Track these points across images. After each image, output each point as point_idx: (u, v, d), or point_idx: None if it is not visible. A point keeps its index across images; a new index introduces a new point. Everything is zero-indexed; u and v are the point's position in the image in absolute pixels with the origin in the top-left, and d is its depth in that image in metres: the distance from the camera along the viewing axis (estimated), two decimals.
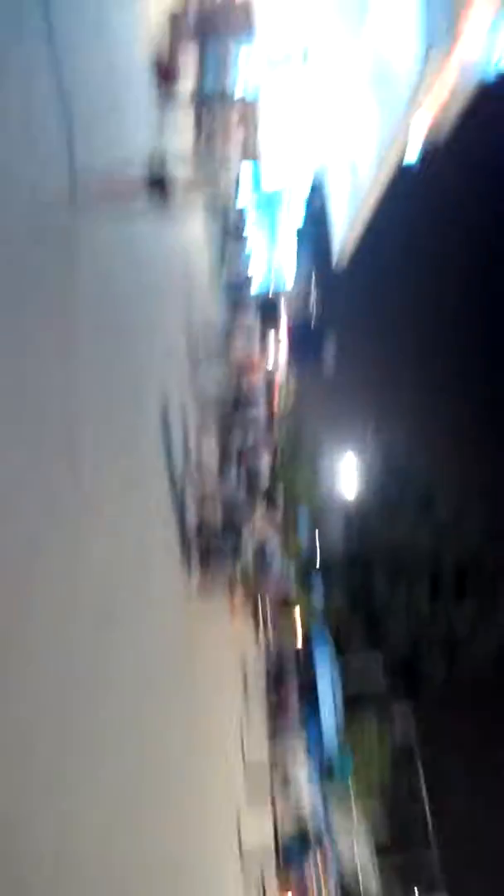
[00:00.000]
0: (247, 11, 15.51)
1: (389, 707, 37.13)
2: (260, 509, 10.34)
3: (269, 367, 38.21)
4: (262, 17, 16.05)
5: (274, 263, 49.25)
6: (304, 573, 36.92)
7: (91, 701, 4.99)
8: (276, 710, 22.87)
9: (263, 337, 35.48)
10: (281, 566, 16.72)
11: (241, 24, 15.03)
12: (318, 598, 37.69)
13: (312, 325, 55.77)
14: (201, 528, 9.98)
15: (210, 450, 12.30)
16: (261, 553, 13.98)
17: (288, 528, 32.43)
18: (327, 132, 23.51)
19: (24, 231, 4.61)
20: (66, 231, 5.57)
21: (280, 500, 14.56)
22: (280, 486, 17.18)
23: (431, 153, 22.07)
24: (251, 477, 12.44)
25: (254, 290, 39.87)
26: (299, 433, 43.89)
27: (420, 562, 40.08)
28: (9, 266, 4.33)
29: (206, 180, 7.60)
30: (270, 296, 49.00)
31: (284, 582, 19.42)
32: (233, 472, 12.40)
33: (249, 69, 16.68)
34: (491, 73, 18.05)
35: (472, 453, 45.80)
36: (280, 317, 44.53)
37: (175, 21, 12.56)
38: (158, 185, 6.91)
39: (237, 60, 14.69)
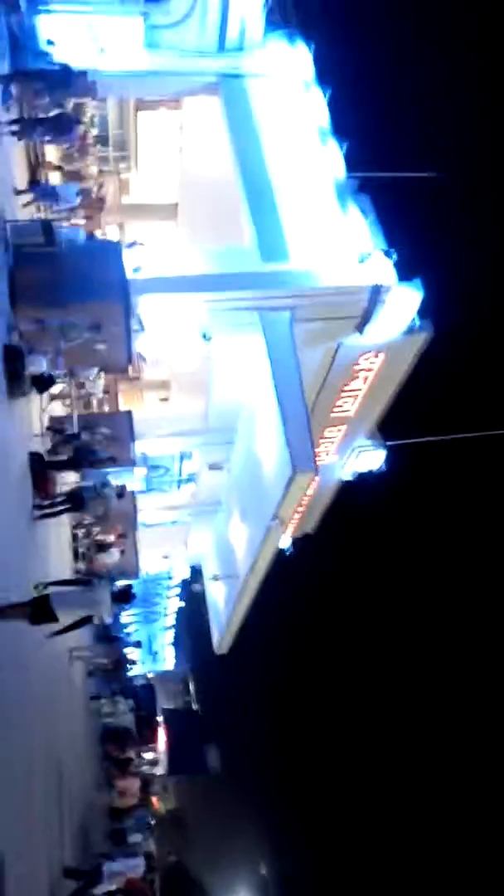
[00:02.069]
0: (129, 422, 17.17)
1: None
2: None
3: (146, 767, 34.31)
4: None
5: (154, 647, 47.96)
6: None
7: None
8: None
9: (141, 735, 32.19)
10: None
11: (122, 432, 16.48)
12: None
13: (193, 715, 52.50)
14: None
15: None
16: None
17: None
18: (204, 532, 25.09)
19: None
20: None
21: None
22: None
23: (303, 540, 23.67)
24: None
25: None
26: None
27: None
28: None
29: (86, 603, 8.39)
30: (147, 681, 46.53)
31: None
32: None
33: (129, 478, 18.05)
34: (349, 476, 20.54)
35: None
36: (157, 707, 41.62)
37: (56, 423, 13.45)
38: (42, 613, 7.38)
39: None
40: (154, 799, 40.15)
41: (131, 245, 13.12)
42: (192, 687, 57.37)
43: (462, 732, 42.22)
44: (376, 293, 13.22)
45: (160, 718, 46.23)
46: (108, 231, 19.11)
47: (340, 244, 14.03)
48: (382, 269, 13.47)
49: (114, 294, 12.04)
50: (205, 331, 13.69)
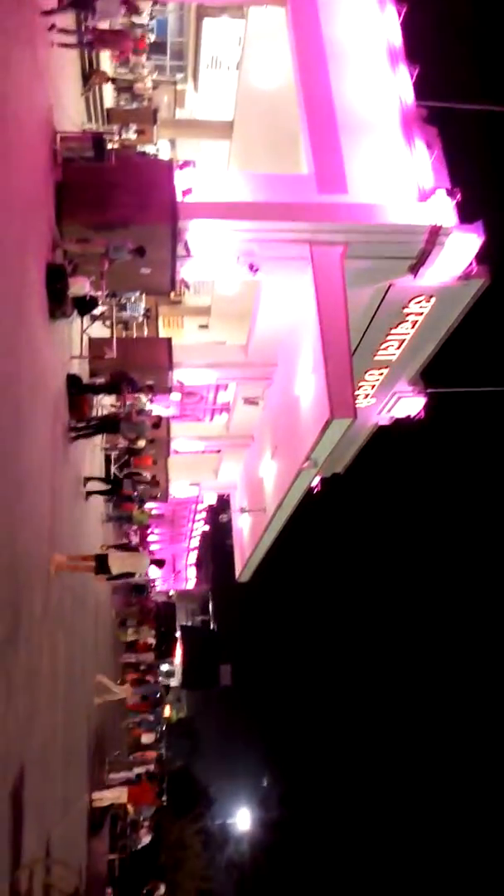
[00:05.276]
0: (167, 349, 16.95)
1: None
2: None
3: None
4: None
5: (178, 567, 49.25)
6: None
7: None
8: None
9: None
10: None
11: (160, 359, 16.30)
12: None
13: (210, 634, 54.21)
14: None
15: None
16: None
17: None
18: (235, 464, 25.17)
19: None
20: None
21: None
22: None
23: (332, 478, 23.63)
24: None
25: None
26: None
27: None
28: None
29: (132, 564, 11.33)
30: (168, 597, 48.00)
31: None
32: None
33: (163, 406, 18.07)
34: (385, 419, 20.23)
35: None
36: (176, 624, 42.95)
37: (95, 348, 13.31)
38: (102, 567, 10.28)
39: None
40: (167, 707, 42.12)
41: (183, 166, 12.59)
42: (211, 607, 58.98)
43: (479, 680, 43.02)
44: (435, 234, 12.61)
45: (178, 635, 47.92)
46: (159, 145, 18.43)
47: (402, 179, 13.32)
48: (443, 209, 12.81)
49: (162, 217, 11.67)
50: (252, 261, 13.28)
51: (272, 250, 12.98)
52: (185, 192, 12.28)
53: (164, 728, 37.26)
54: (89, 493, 13.04)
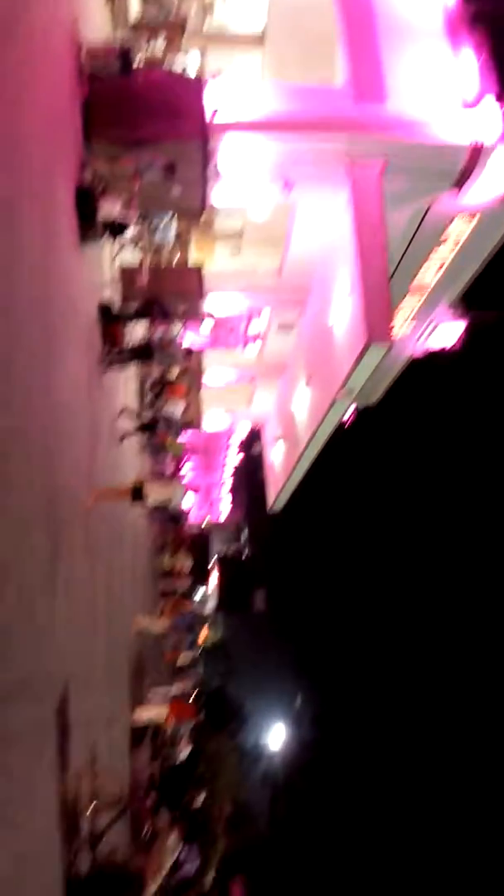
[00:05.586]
0: (199, 276, 16.57)
1: None
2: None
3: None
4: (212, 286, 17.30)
5: (212, 496, 49.87)
6: None
7: None
8: None
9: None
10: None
11: (192, 287, 15.96)
12: None
13: (243, 560, 55.41)
14: None
15: None
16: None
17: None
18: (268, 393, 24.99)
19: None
20: None
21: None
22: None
23: (365, 413, 23.37)
24: None
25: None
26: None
27: None
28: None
29: (167, 494, 11.32)
30: (203, 526, 48.92)
31: None
32: None
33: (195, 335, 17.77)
34: (419, 350, 19.73)
35: None
36: (210, 552, 44.07)
37: (127, 275, 13.07)
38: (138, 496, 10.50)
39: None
40: (203, 631, 43.71)
41: (213, 78, 11.97)
42: (244, 535, 59.98)
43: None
44: (480, 146, 11.90)
45: (213, 561, 49.12)
46: (188, 57, 17.52)
47: (446, 86, 12.50)
48: (490, 118, 12.02)
49: (192, 132, 11.17)
50: (287, 178, 12.73)
51: (307, 166, 12.42)
52: (215, 107, 11.72)
53: (200, 650, 38.71)
54: (122, 437, 13.06)
